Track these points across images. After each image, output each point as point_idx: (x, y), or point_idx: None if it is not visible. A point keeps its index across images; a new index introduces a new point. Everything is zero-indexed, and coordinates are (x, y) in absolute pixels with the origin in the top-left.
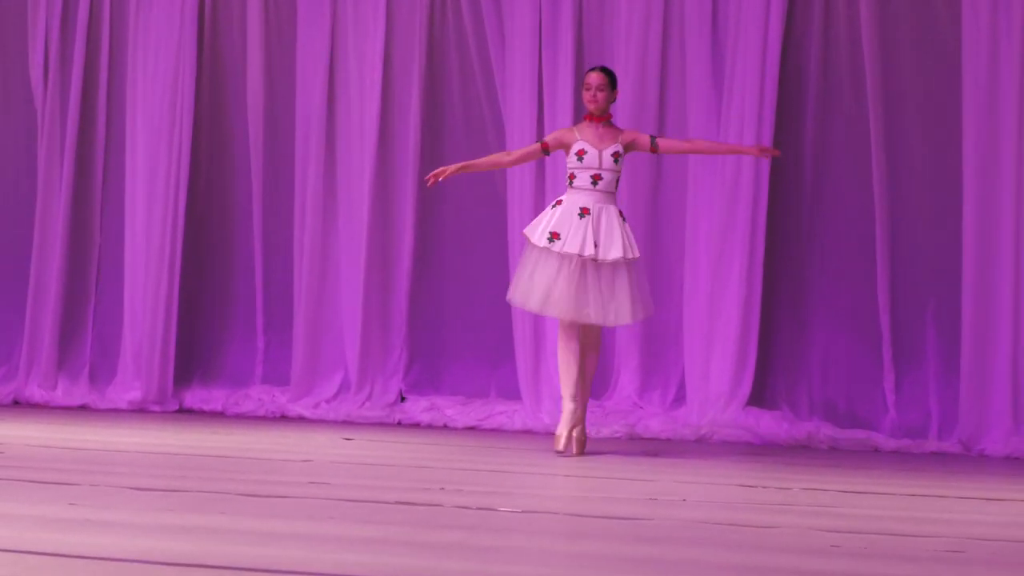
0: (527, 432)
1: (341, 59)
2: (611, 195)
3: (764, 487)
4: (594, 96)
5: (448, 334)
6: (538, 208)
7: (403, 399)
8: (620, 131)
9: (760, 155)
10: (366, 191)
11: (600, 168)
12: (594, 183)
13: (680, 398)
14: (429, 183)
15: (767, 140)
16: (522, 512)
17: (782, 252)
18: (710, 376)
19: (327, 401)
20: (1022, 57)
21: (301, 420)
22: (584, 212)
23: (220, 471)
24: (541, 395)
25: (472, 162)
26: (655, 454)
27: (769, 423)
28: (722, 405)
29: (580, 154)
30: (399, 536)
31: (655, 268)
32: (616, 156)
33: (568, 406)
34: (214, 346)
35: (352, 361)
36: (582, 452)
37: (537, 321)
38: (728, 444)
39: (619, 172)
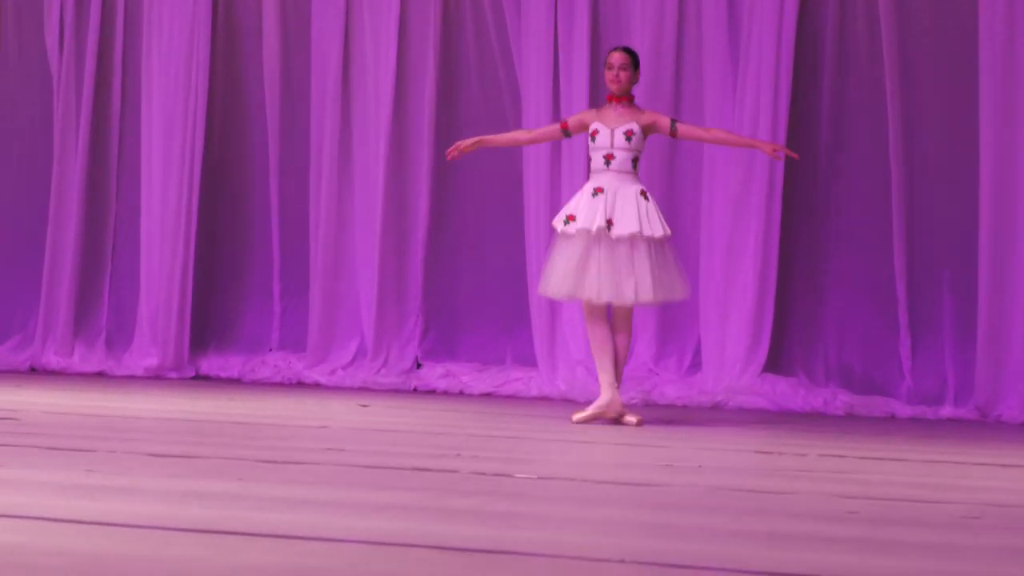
0: (543, 399)
1: (356, 29)
2: (628, 174)
3: (780, 453)
4: (616, 76)
5: (463, 301)
6: (554, 175)
7: (419, 366)
8: (641, 112)
9: (773, 155)
10: (381, 159)
11: (612, 147)
12: (607, 163)
13: (696, 364)
14: (448, 158)
15: (783, 110)
16: (538, 478)
17: (798, 220)
18: (726, 343)
19: (343, 368)
20: None
21: (317, 387)
22: (597, 191)
23: (236, 437)
24: (557, 362)
25: (490, 137)
26: (671, 421)
27: (785, 389)
28: (738, 371)
29: (593, 134)
30: (415, 502)
31: (671, 237)
32: (629, 135)
33: (606, 393)
34: (230, 313)
35: (368, 328)
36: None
37: None
38: (744, 411)
39: (636, 151)
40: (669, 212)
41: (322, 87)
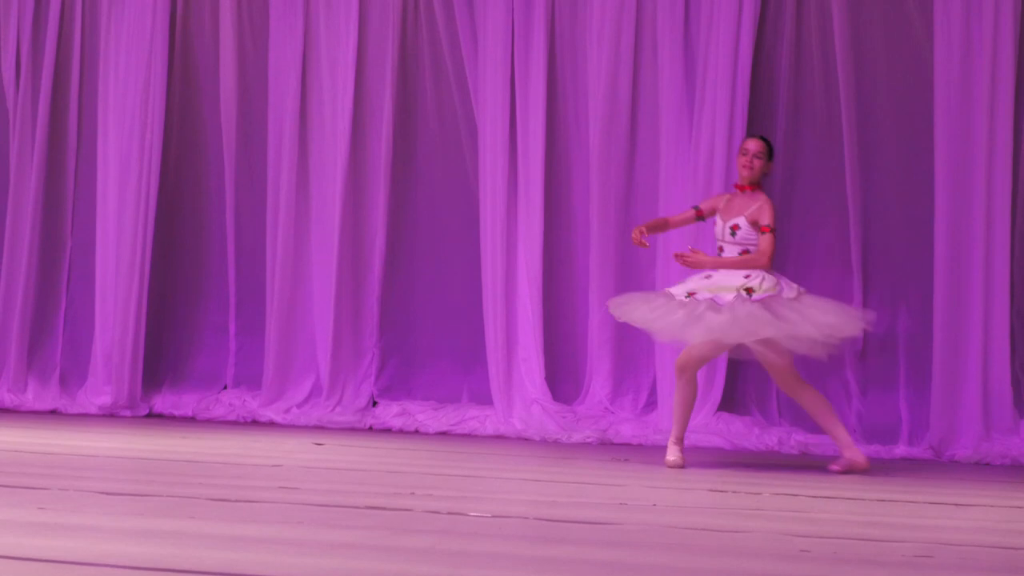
0: (499, 437)
1: (314, 61)
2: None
3: (734, 492)
4: (750, 162)
5: (420, 338)
6: (511, 213)
7: (375, 404)
8: (758, 203)
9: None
10: (338, 194)
11: (723, 240)
12: (720, 254)
13: (652, 403)
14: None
15: (738, 140)
16: (492, 517)
17: None
18: None
19: (298, 406)
20: (993, 59)
21: (272, 425)
22: (707, 276)
23: (189, 476)
24: (513, 400)
25: (651, 224)
26: (626, 459)
27: (740, 428)
28: (693, 411)
29: (714, 225)
30: (368, 540)
31: (626, 272)
32: (734, 229)
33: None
34: (185, 350)
35: (324, 365)
36: None
37: (509, 326)
38: (699, 449)
39: (745, 246)
40: (624, 250)
41: (279, 123)
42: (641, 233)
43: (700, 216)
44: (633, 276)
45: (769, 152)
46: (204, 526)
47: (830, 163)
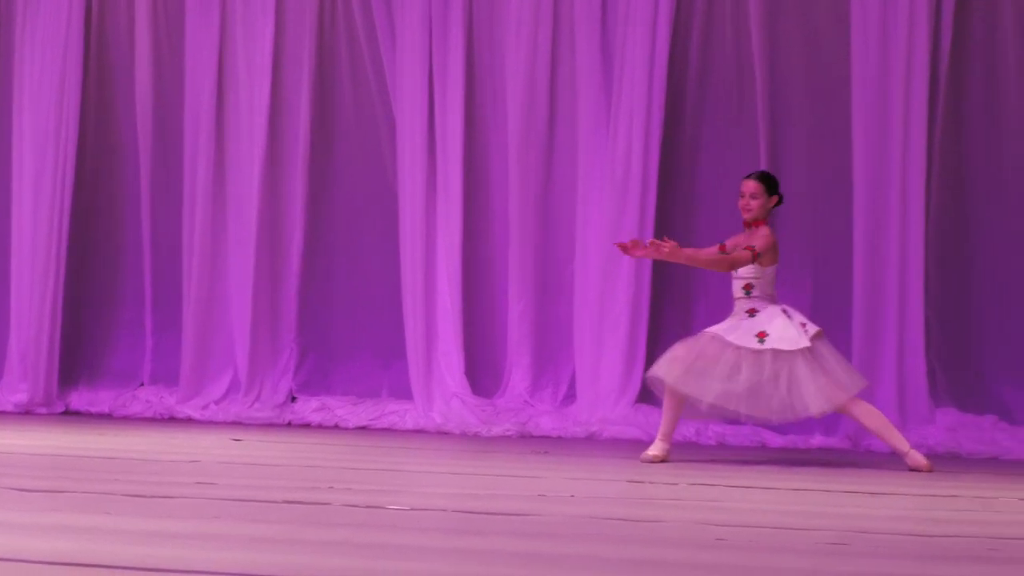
0: (419, 431)
1: (230, 58)
2: (740, 300)
3: (652, 483)
4: (747, 204)
5: (339, 333)
6: (430, 208)
7: (293, 399)
8: (756, 234)
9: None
10: (255, 191)
11: (732, 276)
12: (733, 288)
13: (571, 396)
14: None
15: (656, 136)
16: (410, 510)
17: None
18: (600, 374)
19: (216, 402)
20: (908, 56)
21: (190, 421)
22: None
23: (105, 472)
24: (433, 394)
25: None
26: (545, 452)
27: (658, 420)
28: (612, 402)
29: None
30: (285, 534)
31: (545, 266)
32: None
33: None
34: (101, 347)
35: (241, 361)
36: None
37: (429, 320)
38: (618, 441)
39: (744, 279)
40: (543, 244)
41: (195, 120)
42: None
43: (723, 252)
44: (552, 270)
45: (771, 187)
46: (120, 522)
47: (745, 154)
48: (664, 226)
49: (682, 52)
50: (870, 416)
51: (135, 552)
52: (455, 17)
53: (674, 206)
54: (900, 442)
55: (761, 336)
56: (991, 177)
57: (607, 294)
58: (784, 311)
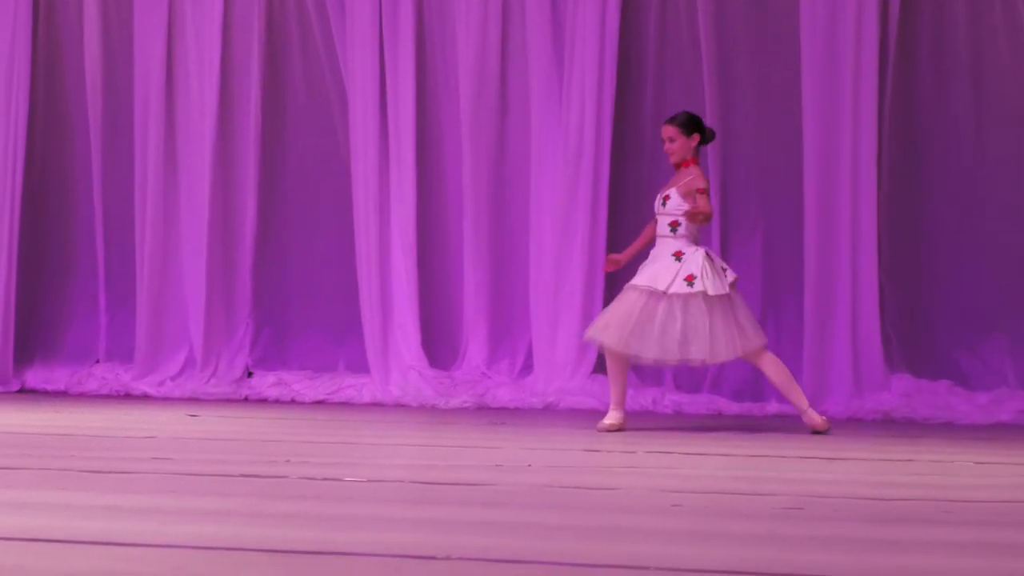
0: (376, 405)
1: (179, 34)
2: (665, 238)
3: (609, 451)
4: (669, 148)
5: (295, 308)
6: (383, 182)
7: (250, 375)
8: (690, 176)
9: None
10: (207, 167)
11: (657, 212)
12: (657, 227)
13: (528, 367)
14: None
15: (608, 109)
16: (367, 481)
17: (625, 221)
18: (557, 345)
19: (172, 378)
20: (857, 20)
21: (146, 398)
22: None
23: (62, 449)
24: (390, 367)
25: (630, 251)
26: (503, 423)
27: None
28: (569, 373)
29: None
30: (243, 507)
31: (500, 239)
32: (665, 200)
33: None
34: (55, 325)
35: (197, 337)
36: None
37: (384, 294)
38: (575, 411)
39: (674, 216)
40: (498, 216)
41: (145, 96)
42: (614, 264)
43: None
44: (507, 242)
45: (687, 127)
46: (76, 497)
47: None
48: (617, 199)
49: (634, 24)
50: (777, 368)
51: (92, 527)
52: None
53: (627, 178)
54: (800, 399)
55: (690, 279)
56: (943, 142)
57: (562, 265)
58: (707, 254)
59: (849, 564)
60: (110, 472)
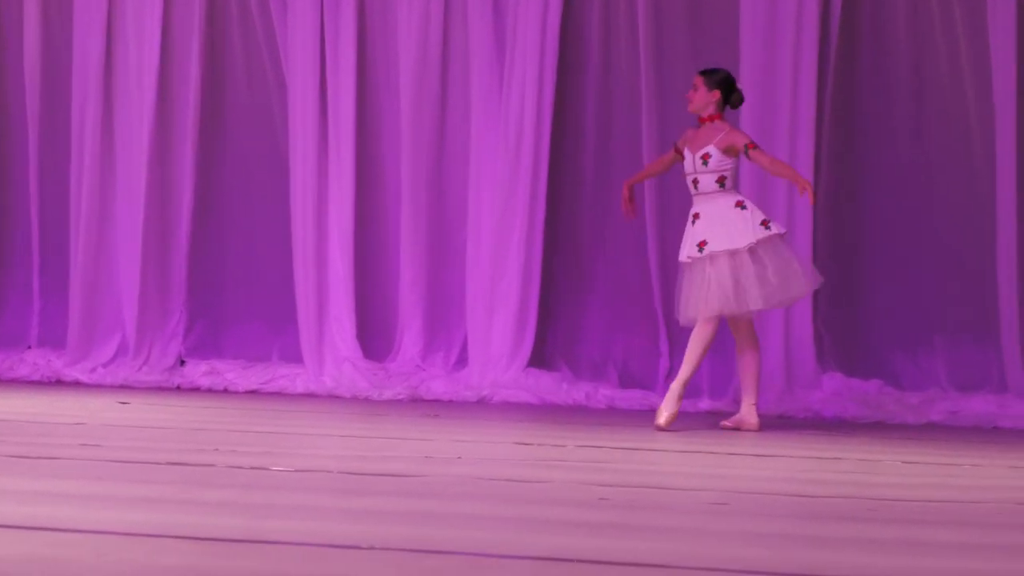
0: (310, 395)
1: (119, 20)
2: (715, 194)
3: (540, 444)
4: (690, 96)
5: (230, 297)
6: (322, 172)
7: (183, 363)
8: (723, 132)
9: (802, 192)
10: (144, 153)
11: (695, 172)
12: (695, 187)
13: (463, 360)
14: (629, 218)
15: (548, 104)
16: (296, 471)
17: (563, 216)
18: (492, 338)
19: (104, 365)
20: (796, 26)
21: (77, 385)
22: (695, 218)
23: None
24: (324, 358)
25: (637, 177)
26: (436, 415)
27: (549, 383)
28: (503, 366)
29: (682, 161)
30: (170, 495)
31: (438, 231)
32: (705, 159)
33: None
34: None
35: (130, 324)
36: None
37: (320, 284)
38: (509, 404)
39: (718, 171)
40: (436, 209)
41: (83, 81)
42: (629, 203)
43: (679, 154)
44: (445, 235)
45: (712, 81)
46: (3, 482)
47: (634, 129)
48: (556, 193)
49: (575, 18)
50: (698, 340)
51: (18, 512)
52: None
53: (566, 173)
54: (691, 371)
55: (765, 224)
56: (882, 141)
57: (499, 259)
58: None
59: (773, 560)
60: (38, 458)
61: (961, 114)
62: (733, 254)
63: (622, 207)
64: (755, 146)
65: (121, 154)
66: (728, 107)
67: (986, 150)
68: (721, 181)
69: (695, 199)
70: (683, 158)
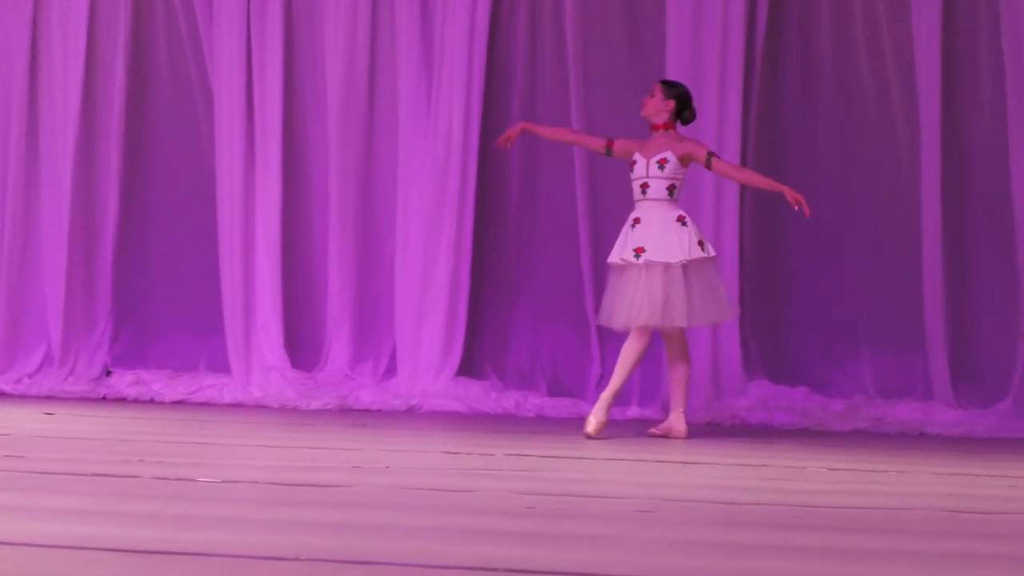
0: (237, 405)
1: (44, 25)
2: (663, 202)
3: (468, 454)
4: (644, 102)
5: (156, 306)
6: (248, 180)
7: (109, 373)
8: (680, 141)
9: (794, 205)
10: (69, 160)
11: (647, 176)
12: (643, 192)
13: (392, 369)
14: (500, 147)
15: (476, 113)
16: (222, 482)
17: (491, 225)
18: (421, 347)
19: (29, 376)
20: (723, 36)
21: (2, 395)
22: (635, 222)
23: None
24: (251, 368)
25: (536, 127)
26: (364, 425)
27: (478, 392)
28: (432, 375)
29: (632, 165)
30: (93, 507)
31: (366, 240)
32: (662, 163)
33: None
34: None
35: (55, 335)
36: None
37: (247, 293)
38: (438, 414)
39: (671, 179)
40: (364, 218)
41: (7, 88)
42: (508, 139)
43: (609, 148)
44: (373, 244)
45: (669, 91)
46: None
47: (562, 124)
48: (484, 202)
49: (503, 28)
50: (630, 352)
51: None
52: None
53: (494, 182)
54: (621, 382)
55: (702, 244)
56: (808, 150)
57: (428, 269)
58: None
59: (698, 567)
60: None
61: (886, 121)
62: (667, 268)
63: (500, 137)
64: (717, 156)
65: (46, 162)
66: (679, 122)
67: (911, 157)
68: (671, 190)
69: (638, 204)
70: (607, 156)
